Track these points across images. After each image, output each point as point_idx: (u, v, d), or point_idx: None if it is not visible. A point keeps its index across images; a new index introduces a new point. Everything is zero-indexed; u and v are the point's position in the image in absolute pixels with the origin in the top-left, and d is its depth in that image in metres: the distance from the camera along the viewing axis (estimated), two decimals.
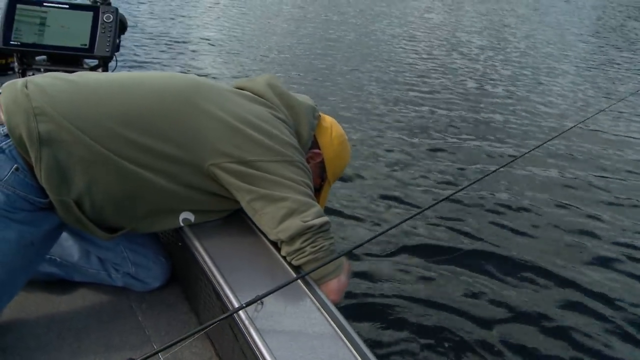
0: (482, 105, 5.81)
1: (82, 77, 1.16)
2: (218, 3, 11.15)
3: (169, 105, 1.13)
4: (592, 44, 10.77)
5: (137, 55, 6.52)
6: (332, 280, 1.14)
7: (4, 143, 1.04)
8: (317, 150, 1.36)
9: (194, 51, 7.00)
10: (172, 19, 8.92)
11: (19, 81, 1.10)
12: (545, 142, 2.19)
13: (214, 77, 5.91)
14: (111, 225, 1.18)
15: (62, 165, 1.05)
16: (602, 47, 10.39)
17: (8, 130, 1.03)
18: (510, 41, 9.80)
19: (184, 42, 7.35)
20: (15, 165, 1.04)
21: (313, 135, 1.34)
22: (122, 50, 2.02)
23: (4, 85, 1.11)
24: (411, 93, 6.03)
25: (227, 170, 1.14)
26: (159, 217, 1.19)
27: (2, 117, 1.05)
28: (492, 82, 6.90)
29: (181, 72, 4.85)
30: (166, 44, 7.11)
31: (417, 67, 7.32)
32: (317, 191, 1.45)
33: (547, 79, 7.42)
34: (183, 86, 1.19)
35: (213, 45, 7.44)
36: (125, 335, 1.22)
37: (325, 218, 1.16)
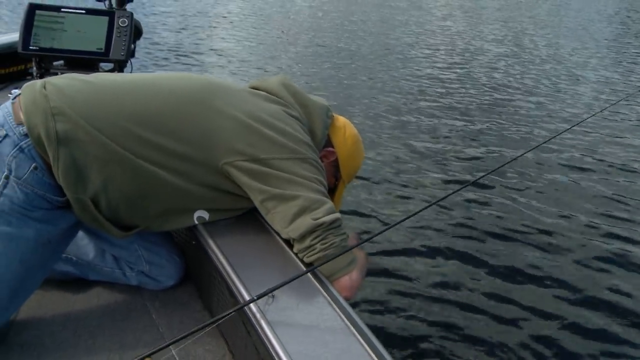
0: (501, 112, 5.76)
1: (99, 77, 1.18)
2: (230, 13, 11.22)
3: (183, 105, 1.15)
4: (614, 48, 10.66)
5: (154, 60, 6.64)
6: (343, 277, 1.14)
7: (23, 142, 1.06)
8: (330, 149, 1.36)
9: (209, 62, 7.05)
10: (184, 29, 9.00)
11: (38, 82, 1.12)
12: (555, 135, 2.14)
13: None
14: (126, 224, 1.19)
15: (79, 163, 1.07)
16: (625, 52, 10.26)
17: (27, 129, 1.05)
18: (530, 48, 9.70)
19: (198, 53, 7.38)
20: (34, 164, 1.06)
21: (327, 134, 1.34)
22: (137, 57, 2.05)
23: (24, 86, 1.14)
24: (429, 102, 6.00)
25: (240, 169, 1.14)
26: (173, 216, 1.20)
27: (22, 117, 1.07)
28: (512, 90, 6.83)
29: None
30: (181, 55, 7.16)
31: (436, 75, 7.29)
32: (332, 191, 1.45)
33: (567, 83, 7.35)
34: (198, 86, 1.20)
35: (227, 56, 7.46)
36: (139, 333, 1.23)
37: (337, 214, 1.15)
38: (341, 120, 1.41)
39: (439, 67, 7.75)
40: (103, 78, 1.18)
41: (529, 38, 10.97)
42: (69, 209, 1.13)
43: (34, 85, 1.11)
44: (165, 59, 6.91)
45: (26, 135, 1.06)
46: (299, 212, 1.13)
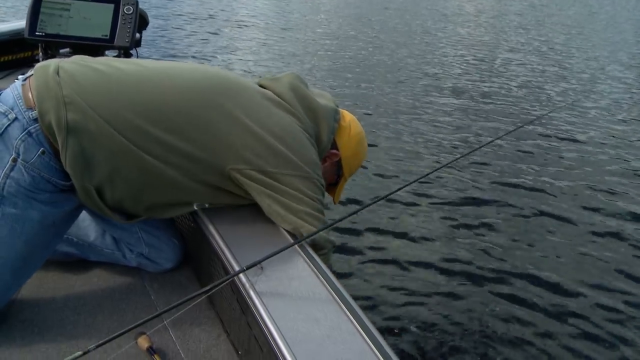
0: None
1: (111, 66, 1.16)
2: (247, 22, 10.98)
3: (194, 105, 1.14)
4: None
5: (163, 50, 6.67)
6: None
7: (32, 127, 1.07)
8: (334, 151, 1.37)
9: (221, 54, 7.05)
10: (202, 38, 8.94)
11: (51, 65, 1.12)
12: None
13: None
14: (129, 212, 1.22)
15: (86, 153, 1.08)
16: None
17: (39, 115, 1.06)
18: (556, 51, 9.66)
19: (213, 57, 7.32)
20: (42, 149, 1.08)
21: (332, 138, 1.35)
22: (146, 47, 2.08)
23: (36, 66, 1.13)
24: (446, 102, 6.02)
25: (247, 176, 1.16)
26: (176, 208, 1.23)
27: (32, 98, 1.07)
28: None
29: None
30: (194, 57, 7.17)
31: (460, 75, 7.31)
32: (333, 186, 1.47)
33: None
34: (210, 85, 1.19)
35: (238, 50, 7.44)
36: (137, 312, 1.25)
37: (329, 242, 1.25)
38: (347, 118, 1.41)
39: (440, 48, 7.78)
40: (115, 67, 1.16)
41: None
42: (73, 192, 1.14)
43: (46, 69, 1.10)
44: (174, 49, 6.95)
45: (35, 120, 1.07)
46: (299, 226, 1.17)
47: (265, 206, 1.19)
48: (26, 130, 1.06)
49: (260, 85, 1.30)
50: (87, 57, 1.20)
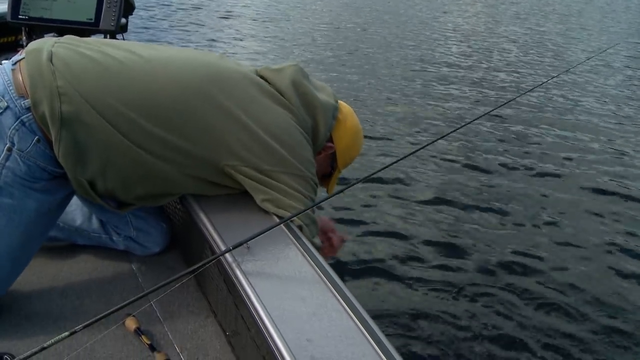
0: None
1: (106, 54, 1.11)
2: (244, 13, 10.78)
3: (190, 99, 1.11)
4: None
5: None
6: None
7: (24, 116, 1.04)
8: (329, 144, 1.37)
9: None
10: (189, 28, 8.81)
11: (44, 50, 1.07)
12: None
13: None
14: (121, 202, 1.21)
15: (80, 146, 1.07)
16: None
17: (32, 104, 1.03)
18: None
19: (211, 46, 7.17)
20: (37, 137, 1.06)
21: (329, 134, 1.35)
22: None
23: (27, 49, 1.09)
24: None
25: (242, 173, 1.17)
26: (168, 197, 1.24)
27: (25, 88, 1.04)
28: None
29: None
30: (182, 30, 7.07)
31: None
32: (327, 177, 1.48)
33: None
34: (207, 76, 1.15)
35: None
36: (125, 295, 1.25)
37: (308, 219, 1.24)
38: (344, 111, 1.39)
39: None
40: (109, 55, 1.11)
41: None
42: (66, 179, 1.13)
43: (39, 55, 1.06)
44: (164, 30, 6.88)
45: (28, 109, 1.04)
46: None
47: (258, 200, 1.20)
48: (19, 120, 1.04)
49: (260, 76, 1.27)
50: (79, 39, 1.16)
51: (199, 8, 9.39)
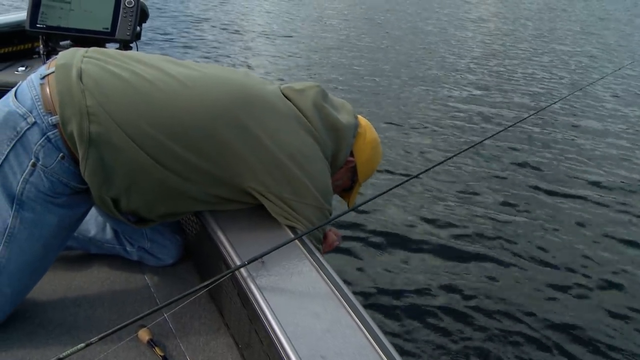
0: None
1: (135, 74, 1.10)
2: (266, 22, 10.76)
3: (216, 124, 1.11)
4: None
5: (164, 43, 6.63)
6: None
7: (51, 133, 1.04)
8: (350, 158, 1.38)
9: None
10: (209, 22, 8.78)
11: (74, 66, 1.07)
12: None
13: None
14: (141, 217, 1.22)
15: (106, 166, 1.07)
16: None
17: (61, 122, 1.03)
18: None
19: (225, 56, 7.12)
20: (61, 154, 1.06)
21: (349, 152, 1.36)
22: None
23: (57, 64, 1.07)
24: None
25: (263, 196, 1.19)
26: (187, 214, 1.26)
27: (54, 105, 1.03)
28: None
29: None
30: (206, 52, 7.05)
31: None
32: (348, 191, 1.50)
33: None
34: (234, 99, 1.15)
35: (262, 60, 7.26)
36: (137, 305, 1.26)
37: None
38: (363, 124, 1.40)
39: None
40: (138, 74, 1.10)
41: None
42: (87, 193, 1.14)
43: (68, 72, 1.06)
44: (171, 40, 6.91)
45: (54, 126, 1.04)
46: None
47: (275, 215, 1.22)
48: (45, 136, 1.04)
49: (284, 94, 1.26)
50: (106, 52, 1.15)
51: (208, 20, 9.41)
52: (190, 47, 7.02)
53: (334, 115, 1.29)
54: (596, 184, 3.91)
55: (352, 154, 1.38)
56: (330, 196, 1.28)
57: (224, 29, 8.53)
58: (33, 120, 1.04)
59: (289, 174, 1.17)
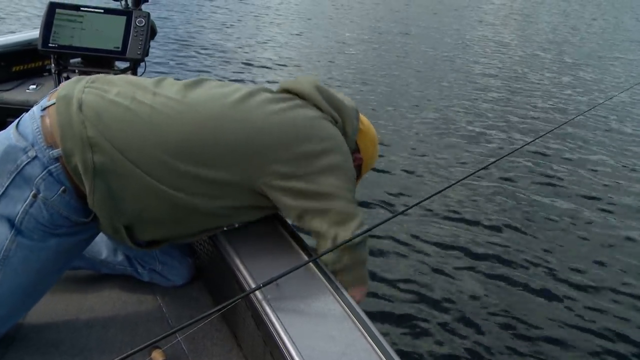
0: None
1: (136, 101, 1.09)
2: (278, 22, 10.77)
3: (221, 129, 1.10)
4: None
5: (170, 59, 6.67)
6: (360, 287, 1.18)
7: (52, 167, 1.04)
8: (359, 155, 1.35)
9: (251, 68, 6.91)
10: (228, 29, 8.68)
11: (74, 97, 1.06)
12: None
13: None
14: (153, 240, 1.21)
15: (115, 195, 1.06)
16: None
17: (63, 155, 1.03)
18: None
19: (246, 64, 7.06)
20: (63, 187, 1.05)
21: (355, 139, 1.33)
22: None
23: (58, 96, 1.07)
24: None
25: (277, 188, 1.12)
26: (198, 236, 1.22)
27: (55, 138, 1.03)
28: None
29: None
30: (223, 61, 7.03)
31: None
32: None
33: None
34: (232, 101, 1.13)
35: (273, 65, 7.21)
36: (149, 326, 1.26)
37: (364, 228, 1.14)
38: (364, 121, 1.39)
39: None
40: (139, 101, 1.09)
41: None
42: (91, 223, 1.13)
43: (69, 103, 1.05)
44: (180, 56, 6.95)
45: (56, 159, 1.03)
46: (332, 225, 1.13)
47: (292, 217, 1.17)
48: (47, 170, 1.04)
49: (284, 89, 1.26)
50: (109, 80, 1.14)
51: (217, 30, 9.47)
52: (192, 46, 7.01)
53: (335, 96, 1.27)
54: (614, 203, 3.88)
55: (358, 150, 1.35)
56: (348, 152, 1.21)
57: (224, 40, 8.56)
58: (34, 154, 1.03)
59: (299, 150, 1.12)
